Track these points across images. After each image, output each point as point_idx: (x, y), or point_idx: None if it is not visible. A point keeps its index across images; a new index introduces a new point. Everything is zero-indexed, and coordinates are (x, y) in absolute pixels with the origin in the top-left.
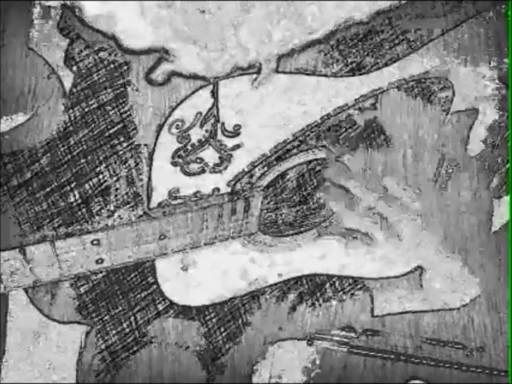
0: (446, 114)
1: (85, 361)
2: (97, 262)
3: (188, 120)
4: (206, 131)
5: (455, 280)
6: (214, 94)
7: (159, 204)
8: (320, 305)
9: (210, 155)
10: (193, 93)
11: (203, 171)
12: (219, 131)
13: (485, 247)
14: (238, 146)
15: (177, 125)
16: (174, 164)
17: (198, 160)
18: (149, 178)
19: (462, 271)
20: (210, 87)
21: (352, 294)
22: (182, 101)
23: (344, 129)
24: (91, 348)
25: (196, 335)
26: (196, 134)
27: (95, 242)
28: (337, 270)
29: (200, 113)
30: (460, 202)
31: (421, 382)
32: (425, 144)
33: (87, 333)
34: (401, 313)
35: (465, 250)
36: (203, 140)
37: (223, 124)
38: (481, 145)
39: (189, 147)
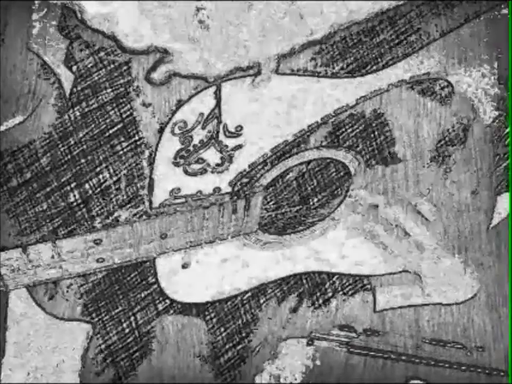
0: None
1: (85, 361)
2: (97, 261)
3: (190, 121)
4: (208, 132)
5: (453, 277)
6: (217, 95)
7: (161, 204)
8: (320, 305)
9: (211, 155)
10: (196, 94)
11: (204, 171)
12: (221, 132)
13: (484, 245)
14: (239, 147)
15: (180, 126)
16: (176, 164)
17: (200, 161)
18: (151, 178)
19: (460, 268)
20: (213, 88)
21: (352, 294)
22: (185, 102)
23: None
24: (92, 347)
25: (196, 335)
26: (198, 135)
27: (96, 241)
28: (337, 268)
29: (203, 114)
30: (459, 201)
31: (421, 382)
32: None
33: (88, 333)
34: (401, 307)
35: (464, 249)
36: (205, 140)
37: (225, 124)
38: (480, 144)
39: (190, 148)
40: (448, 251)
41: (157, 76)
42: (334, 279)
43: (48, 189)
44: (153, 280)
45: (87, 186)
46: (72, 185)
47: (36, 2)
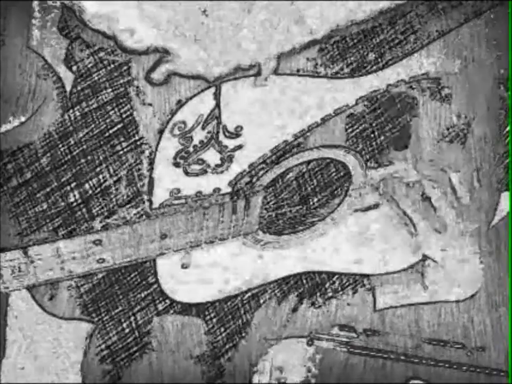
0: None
1: (86, 361)
2: (98, 261)
3: (190, 122)
4: (208, 132)
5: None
6: (217, 96)
7: (161, 204)
8: (320, 305)
9: (211, 156)
10: (196, 94)
11: (204, 172)
12: (221, 132)
13: (484, 245)
14: (239, 147)
15: (180, 126)
16: (176, 164)
17: (200, 161)
18: (151, 179)
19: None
20: (213, 88)
21: (353, 294)
22: (185, 103)
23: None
24: (92, 347)
25: (196, 335)
26: (198, 136)
27: (96, 242)
28: (337, 268)
29: (202, 115)
30: (460, 201)
31: (421, 382)
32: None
33: (89, 333)
34: (402, 306)
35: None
36: (205, 141)
37: (224, 125)
38: (480, 143)
39: (190, 148)
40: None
41: (157, 76)
42: (334, 279)
43: (48, 189)
44: (153, 280)
45: (87, 186)
46: (72, 185)
47: (36, 2)
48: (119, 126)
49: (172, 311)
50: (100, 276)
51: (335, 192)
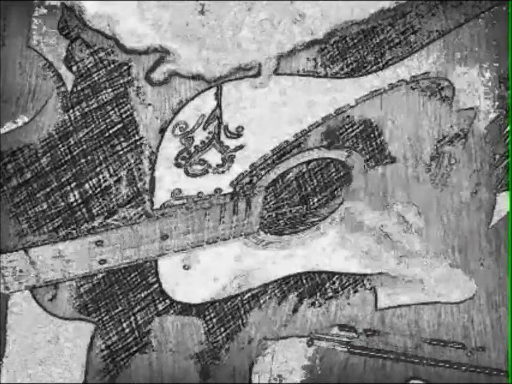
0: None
1: (87, 360)
2: (100, 262)
3: (191, 122)
4: (209, 133)
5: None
6: (218, 96)
7: (162, 205)
8: (320, 305)
9: (213, 156)
10: (197, 95)
11: (206, 172)
12: (222, 133)
13: (484, 245)
14: (240, 147)
15: (181, 127)
16: (177, 165)
17: (201, 162)
18: (152, 179)
19: (456, 270)
20: (214, 89)
21: (353, 293)
22: (186, 103)
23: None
24: (93, 347)
25: (196, 335)
26: (199, 136)
27: (98, 243)
28: (337, 268)
29: (204, 115)
30: (459, 200)
31: (421, 382)
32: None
33: (90, 332)
34: (402, 306)
35: (464, 248)
36: (206, 141)
37: (226, 125)
38: (480, 143)
39: (192, 149)
40: (440, 258)
41: (157, 75)
42: (334, 279)
43: (48, 189)
44: (154, 280)
45: (87, 186)
46: (72, 185)
47: (36, 2)
48: (119, 126)
49: (172, 311)
50: (100, 275)
51: (335, 192)
